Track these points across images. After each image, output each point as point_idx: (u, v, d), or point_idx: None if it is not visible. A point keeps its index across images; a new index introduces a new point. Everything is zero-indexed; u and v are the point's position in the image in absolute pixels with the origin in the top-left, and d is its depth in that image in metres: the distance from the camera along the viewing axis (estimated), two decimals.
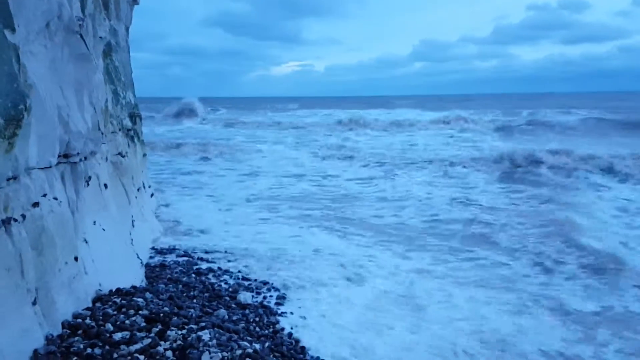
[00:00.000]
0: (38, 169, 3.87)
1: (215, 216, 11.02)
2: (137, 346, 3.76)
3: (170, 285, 6.10)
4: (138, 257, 6.50)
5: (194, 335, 4.06)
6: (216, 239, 9.04)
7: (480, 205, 12.09)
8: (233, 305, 5.80)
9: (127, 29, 8.85)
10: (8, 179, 3.26)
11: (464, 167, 17.86)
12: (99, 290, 4.78)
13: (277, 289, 6.59)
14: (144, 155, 9.67)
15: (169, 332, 4.07)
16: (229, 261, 7.76)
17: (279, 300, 6.21)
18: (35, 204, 3.70)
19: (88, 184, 4.98)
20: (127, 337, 3.85)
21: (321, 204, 12.48)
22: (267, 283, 6.78)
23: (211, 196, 13.42)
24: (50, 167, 4.09)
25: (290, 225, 10.33)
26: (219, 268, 7.26)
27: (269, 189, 14.70)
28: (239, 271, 7.25)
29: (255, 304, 6.00)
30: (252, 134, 34.93)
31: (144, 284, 5.98)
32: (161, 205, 11.28)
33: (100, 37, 5.35)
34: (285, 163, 20.66)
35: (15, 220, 3.38)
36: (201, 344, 3.90)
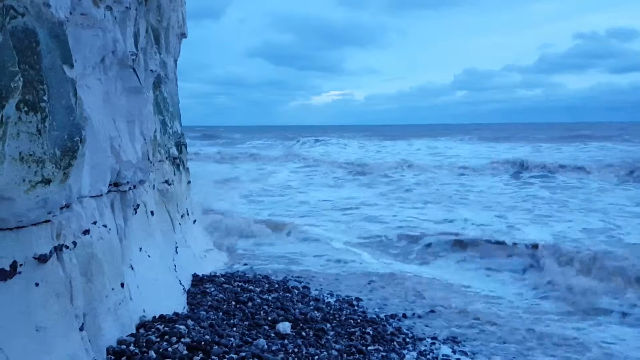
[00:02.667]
0: (90, 197, 4.02)
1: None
2: None
3: (211, 313, 6.14)
4: (180, 283, 6.60)
5: None
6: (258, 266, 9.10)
7: None
8: (272, 335, 5.78)
9: (175, 61, 9.18)
10: (61, 208, 3.39)
11: None
12: (143, 316, 4.87)
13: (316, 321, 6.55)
14: (188, 182, 9.89)
15: None
16: (270, 291, 7.77)
17: (318, 333, 6.15)
18: (86, 232, 3.83)
19: (136, 212, 5.13)
20: None
21: None
22: (307, 314, 6.75)
23: None
24: (101, 195, 4.24)
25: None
26: (259, 296, 7.28)
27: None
28: (279, 300, 7.24)
29: (294, 334, 5.97)
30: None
31: (185, 311, 6.05)
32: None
33: (151, 70, 5.57)
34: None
35: (67, 247, 3.51)
36: None
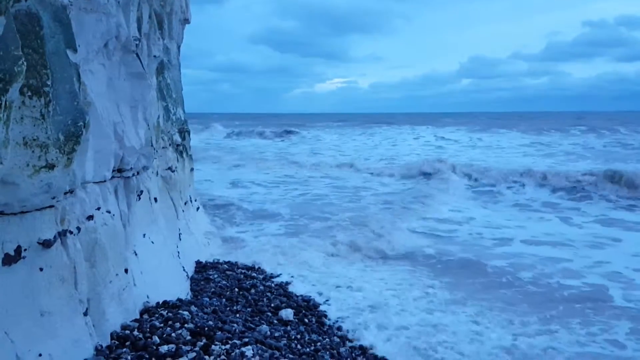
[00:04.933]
0: (93, 183, 4.02)
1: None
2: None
3: (214, 299, 6.17)
4: (184, 269, 6.62)
5: (237, 351, 4.08)
6: (259, 253, 9.11)
7: None
8: (275, 322, 5.81)
9: (178, 47, 9.12)
10: (65, 193, 3.39)
11: None
12: (147, 302, 4.89)
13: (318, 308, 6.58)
14: (192, 169, 9.89)
15: (213, 347, 4.12)
16: (272, 277, 7.81)
17: (320, 319, 6.18)
18: (90, 217, 3.83)
19: (139, 198, 5.13)
20: (173, 350, 3.91)
21: None
22: (309, 300, 6.77)
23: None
24: (105, 181, 4.24)
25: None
26: (262, 283, 7.30)
27: None
28: (282, 287, 7.27)
29: (296, 321, 5.99)
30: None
31: (189, 297, 6.07)
32: None
33: (155, 56, 5.54)
34: None
35: (71, 232, 3.51)
36: None
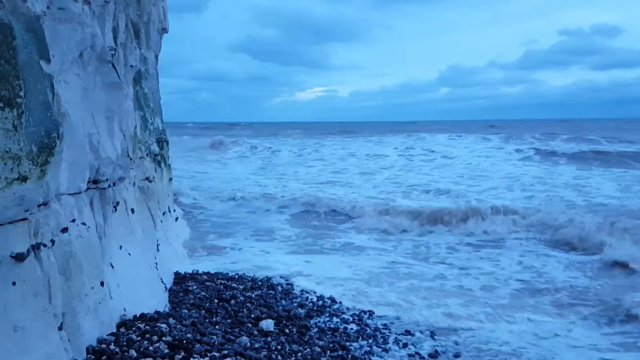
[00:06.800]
0: (68, 194, 3.96)
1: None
2: None
3: (193, 311, 6.10)
4: (162, 281, 6.54)
5: None
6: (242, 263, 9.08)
7: None
8: (255, 333, 5.76)
9: (156, 57, 9.07)
10: (39, 205, 3.33)
11: None
12: (124, 315, 4.81)
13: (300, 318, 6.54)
14: (170, 179, 9.80)
15: None
16: (253, 288, 7.75)
17: (301, 330, 6.15)
18: (64, 230, 3.77)
19: (116, 209, 5.06)
20: None
21: None
22: (290, 310, 6.74)
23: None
24: (80, 192, 4.18)
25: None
26: (242, 294, 7.25)
27: None
28: (262, 298, 7.22)
29: (277, 331, 5.95)
30: None
31: (167, 309, 5.99)
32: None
33: (131, 66, 5.49)
34: None
35: (45, 245, 3.44)
36: None
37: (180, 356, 4.12)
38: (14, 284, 3.12)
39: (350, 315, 7.02)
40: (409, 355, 5.89)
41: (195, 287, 7.31)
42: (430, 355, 5.89)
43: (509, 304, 7.81)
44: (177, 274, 7.82)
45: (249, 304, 6.77)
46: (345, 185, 20.53)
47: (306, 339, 5.88)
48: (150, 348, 4.15)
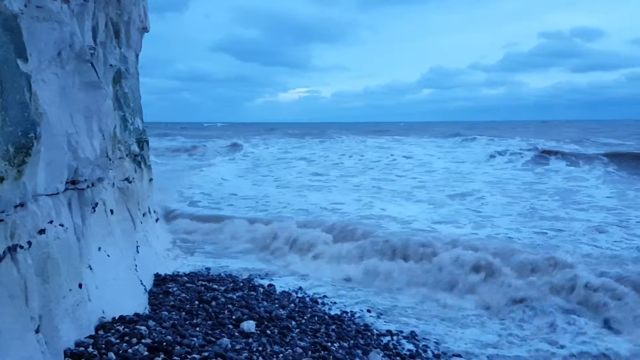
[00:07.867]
0: (45, 195, 3.90)
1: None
2: None
3: (174, 313, 6.05)
4: (142, 283, 6.48)
5: None
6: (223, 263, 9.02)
7: None
8: (236, 334, 5.73)
9: (137, 56, 8.98)
10: (15, 206, 3.28)
11: None
12: (102, 317, 4.76)
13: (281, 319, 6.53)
14: (150, 180, 9.71)
15: None
16: (234, 289, 7.71)
17: (283, 330, 6.14)
18: (42, 231, 3.71)
19: (94, 210, 5.00)
20: None
21: None
22: (272, 312, 6.72)
23: None
24: (58, 193, 4.12)
25: None
26: (224, 295, 7.21)
27: None
28: (243, 299, 7.19)
29: (258, 332, 5.93)
30: None
31: (147, 311, 5.93)
32: None
33: (111, 65, 5.44)
34: None
35: (21, 247, 3.39)
36: None
37: (160, 358, 4.09)
38: None
39: (330, 317, 7.03)
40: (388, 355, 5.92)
41: (175, 288, 7.24)
42: (410, 354, 5.94)
43: None
44: (157, 275, 7.74)
45: (230, 305, 6.74)
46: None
47: (288, 340, 5.87)
48: (130, 350, 4.11)
